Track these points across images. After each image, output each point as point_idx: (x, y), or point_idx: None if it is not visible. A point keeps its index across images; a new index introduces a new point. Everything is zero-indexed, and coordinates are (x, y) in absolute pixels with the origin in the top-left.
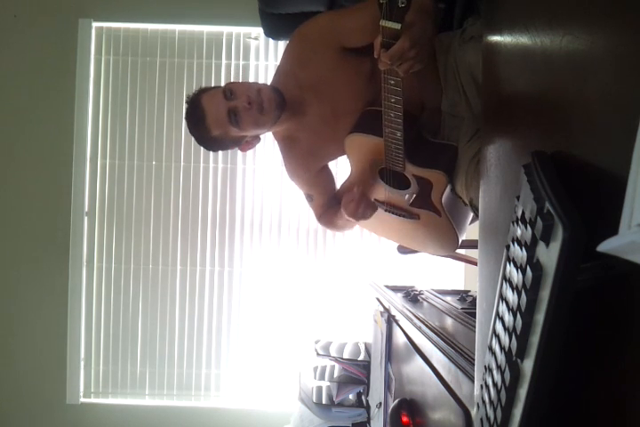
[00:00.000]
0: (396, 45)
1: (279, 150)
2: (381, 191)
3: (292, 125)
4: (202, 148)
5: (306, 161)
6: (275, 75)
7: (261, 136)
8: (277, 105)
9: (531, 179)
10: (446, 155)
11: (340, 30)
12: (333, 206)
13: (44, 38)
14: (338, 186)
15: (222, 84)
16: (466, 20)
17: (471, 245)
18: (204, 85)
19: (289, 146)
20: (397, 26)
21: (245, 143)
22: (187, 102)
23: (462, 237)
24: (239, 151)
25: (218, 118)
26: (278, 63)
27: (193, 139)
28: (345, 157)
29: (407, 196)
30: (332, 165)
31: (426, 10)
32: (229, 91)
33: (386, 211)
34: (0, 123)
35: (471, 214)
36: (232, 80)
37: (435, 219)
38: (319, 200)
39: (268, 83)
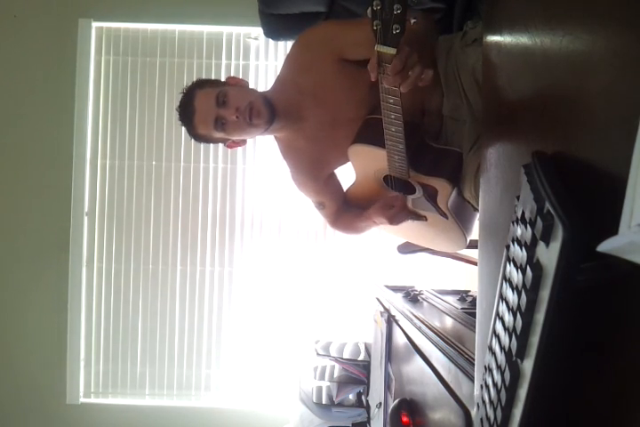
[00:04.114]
0: (396, 58)
1: (285, 162)
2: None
3: (292, 132)
4: (202, 148)
5: (312, 170)
6: (275, 81)
7: (258, 137)
8: (267, 120)
9: (531, 179)
10: (449, 161)
11: (342, 43)
12: (347, 211)
13: (44, 38)
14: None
15: None
16: (465, 22)
17: (471, 245)
18: (203, 77)
19: (294, 157)
20: (393, 51)
21: (232, 142)
22: (181, 93)
23: (470, 236)
24: (239, 151)
25: (205, 121)
26: (280, 68)
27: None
28: (349, 164)
29: (411, 200)
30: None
31: (417, 33)
32: (223, 96)
33: None
34: (0, 123)
35: (477, 214)
36: None
37: (442, 220)
38: (332, 207)
39: (269, 83)
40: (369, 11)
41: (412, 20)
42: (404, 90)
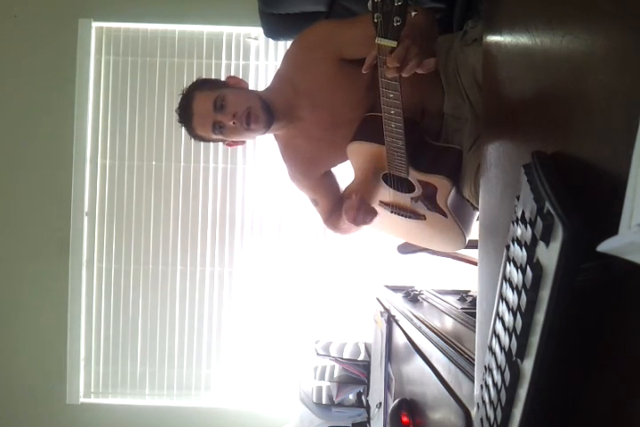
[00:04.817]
0: (397, 49)
1: (282, 159)
2: (386, 193)
3: (290, 131)
4: (202, 148)
5: (306, 168)
6: (274, 78)
7: (259, 137)
8: (264, 125)
9: (531, 179)
10: (449, 159)
11: (340, 42)
12: (339, 210)
13: (44, 38)
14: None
15: None
16: (465, 21)
17: (471, 245)
18: (203, 76)
19: (291, 154)
20: (393, 43)
21: (231, 142)
22: (180, 95)
23: (469, 236)
24: (239, 151)
25: (203, 125)
26: (278, 67)
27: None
28: (347, 162)
29: (411, 198)
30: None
31: (419, 27)
32: (221, 100)
33: (392, 212)
34: (0, 123)
35: (477, 213)
36: None
37: (441, 219)
38: (324, 205)
39: (269, 84)
40: (369, 3)
41: (413, 13)
42: (405, 74)
